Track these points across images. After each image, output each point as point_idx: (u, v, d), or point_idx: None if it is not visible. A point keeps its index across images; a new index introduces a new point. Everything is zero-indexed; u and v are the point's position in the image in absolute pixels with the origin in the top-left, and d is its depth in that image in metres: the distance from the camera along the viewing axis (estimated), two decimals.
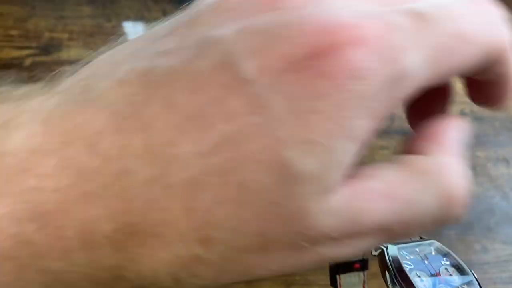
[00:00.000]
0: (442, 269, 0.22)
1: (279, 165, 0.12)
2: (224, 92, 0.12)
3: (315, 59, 0.12)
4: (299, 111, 0.12)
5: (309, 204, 0.12)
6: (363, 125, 0.13)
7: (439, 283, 0.21)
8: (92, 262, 0.13)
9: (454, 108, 0.73)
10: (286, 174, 0.12)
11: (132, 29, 0.69)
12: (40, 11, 0.70)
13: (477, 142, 0.62)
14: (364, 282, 0.25)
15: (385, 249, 0.22)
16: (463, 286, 0.21)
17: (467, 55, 0.15)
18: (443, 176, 0.17)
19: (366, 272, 0.25)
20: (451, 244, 0.59)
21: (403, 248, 0.22)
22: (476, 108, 0.68)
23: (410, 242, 0.23)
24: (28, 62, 0.66)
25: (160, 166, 0.12)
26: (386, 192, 0.14)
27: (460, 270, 0.22)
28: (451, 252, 0.23)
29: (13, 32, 0.68)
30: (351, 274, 0.24)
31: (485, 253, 0.57)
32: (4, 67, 0.66)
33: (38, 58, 0.66)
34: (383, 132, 0.63)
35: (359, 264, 0.24)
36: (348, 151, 0.13)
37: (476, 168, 0.61)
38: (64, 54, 0.66)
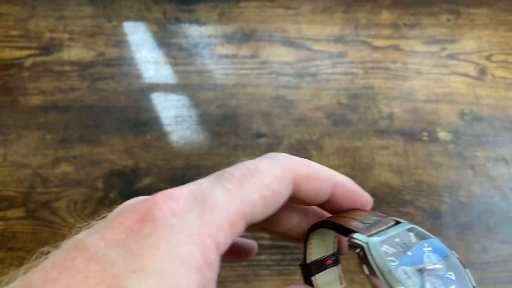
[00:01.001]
0: (425, 258, 0.20)
1: None
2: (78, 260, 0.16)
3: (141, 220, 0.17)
4: (132, 251, 0.16)
5: None
6: (192, 251, 0.16)
7: (427, 277, 0.19)
8: None
9: (454, 108, 0.73)
10: None
11: (132, 29, 0.69)
12: (40, 11, 0.70)
13: (477, 142, 0.62)
14: (340, 277, 0.24)
15: (365, 246, 0.20)
16: (448, 274, 0.20)
17: None
18: None
19: (340, 267, 0.24)
20: (451, 244, 0.59)
21: (383, 242, 0.20)
22: (476, 108, 0.68)
23: (386, 230, 0.21)
24: (28, 62, 0.66)
25: None
26: None
27: (441, 252, 0.20)
28: (428, 233, 0.21)
29: (14, 32, 0.68)
30: (326, 271, 0.23)
31: (485, 253, 0.57)
32: (5, 67, 0.66)
33: (38, 58, 0.67)
34: (383, 132, 0.63)
35: (331, 260, 0.23)
36: (182, 276, 0.16)
37: (476, 168, 0.61)
38: (64, 54, 0.67)
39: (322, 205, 0.22)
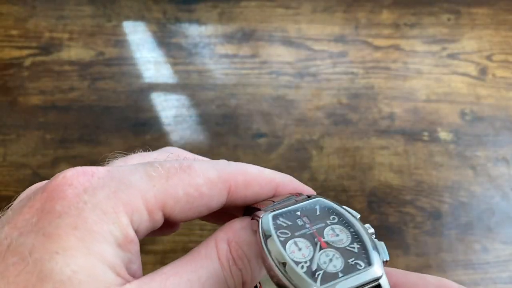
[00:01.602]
0: (327, 231, 0.19)
1: (48, 275, 0.15)
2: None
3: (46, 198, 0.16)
4: (49, 234, 0.15)
5: None
6: (111, 229, 0.16)
7: (321, 250, 0.19)
8: None
9: (455, 107, 0.72)
10: (57, 281, 0.15)
11: (132, 28, 0.69)
12: (40, 11, 0.70)
13: (477, 142, 0.62)
14: None
15: (259, 221, 0.19)
16: (351, 246, 0.19)
17: None
18: None
19: None
20: (451, 244, 0.59)
21: (281, 214, 0.20)
22: (476, 108, 0.68)
23: (291, 206, 0.20)
24: (28, 62, 0.66)
25: None
26: None
27: (349, 225, 0.20)
28: (338, 207, 0.20)
29: (13, 32, 0.68)
30: None
31: (485, 253, 0.57)
32: (4, 67, 0.66)
33: (38, 58, 0.66)
34: (383, 132, 0.63)
35: None
36: (108, 251, 0.16)
37: (476, 168, 0.61)
38: (64, 54, 0.66)
39: None
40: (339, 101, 0.64)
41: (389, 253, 0.19)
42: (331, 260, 0.18)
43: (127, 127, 0.61)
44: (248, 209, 0.22)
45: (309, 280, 0.17)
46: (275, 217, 0.20)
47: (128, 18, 0.70)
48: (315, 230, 0.19)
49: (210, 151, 0.60)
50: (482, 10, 0.72)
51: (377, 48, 0.68)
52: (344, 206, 0.21)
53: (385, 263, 0.19)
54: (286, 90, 0.65)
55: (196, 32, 0.69)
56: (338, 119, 0.63)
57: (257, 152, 0.60)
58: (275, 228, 0.19)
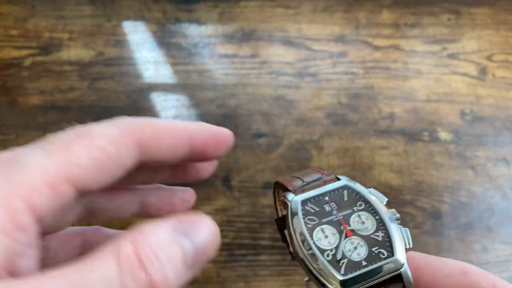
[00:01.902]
0: (353, 218, 0.20)
1: None
2: None
3: None
4: None
5: None
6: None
7: (347, 237, 0.19)
8: None
9: (455, 107, 0.72)
10: None
11: (132, 28, 0.69)
12: (40, 11, 0.69)
13: (477, 142, 0.62)
14: None
15: (289, 205, 0.20)
16: (376, 234, 0.19)
17: None
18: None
19: None
20: (451, 244, 0.59)
21: (309, 199, 0.20)
22: (476, 108, 0.68)
23: (320, 188, 0.21)
24: (28, 62, 0.66)
25: None
26: None
27: (375, 212, 0.20)
28: (366, 192, 0.20)
29: (13, 32, 0.68)
30: None
31: (485, 253, 0.57)
32: (4, 67, 0.66)
33: (38, 58, 0.66)
34: (383, 132, 0.63)
35: None
36: None
37: (476, 168, 0.61)
38: (64, 54, 0.66)
39: (189, 160, 0.21)
40: (339, 101, 0.64)
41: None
42: (355, 248, 0.19)
43: None
44: (277, 185, 0.22)
45: (333, 270, 0.18)
46: (304, 203, 0.20)
47: (128, 18, 0.70)
48: (341, 217, 0.20)
49: None
50: (482, 10, 0.72)
51: (377, 48, 0.68)
52: (371, 189, 0.21)
53: (407, 250, 0.19)
54: (286, 90, 0.65)
55: (196, 32, 0.69)
56: (338, 119, 0.63)
57: (257, 152, 0.60)
58: (303, 214, 0.19)
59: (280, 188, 0.23)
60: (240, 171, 0.58)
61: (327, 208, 0.20)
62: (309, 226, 0.19)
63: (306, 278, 0.19)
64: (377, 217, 0.20)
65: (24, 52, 0.66)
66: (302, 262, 0.19)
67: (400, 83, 0.66)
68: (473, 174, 0.60)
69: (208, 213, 0.60)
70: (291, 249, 0.19)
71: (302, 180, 0.21)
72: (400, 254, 0.19)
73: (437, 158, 0.61)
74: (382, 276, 0.18)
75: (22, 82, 0.64)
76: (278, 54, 0.67)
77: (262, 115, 0.63)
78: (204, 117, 0.63)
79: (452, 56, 0.68)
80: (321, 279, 0.18)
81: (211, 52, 0.68)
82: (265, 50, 0.68)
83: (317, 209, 0.20)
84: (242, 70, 0.66)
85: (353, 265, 0.18)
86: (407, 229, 0.20)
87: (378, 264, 0.18)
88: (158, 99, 0.64)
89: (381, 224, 0.19)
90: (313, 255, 0.18)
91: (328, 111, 0.64)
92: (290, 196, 0.20)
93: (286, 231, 0.20)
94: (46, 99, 0.63)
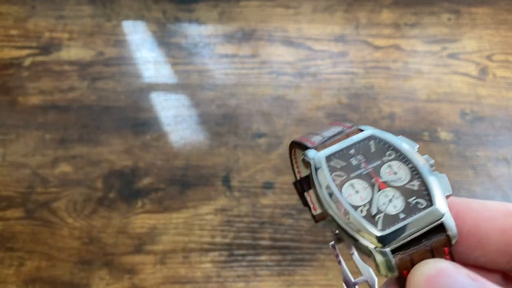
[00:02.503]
0: (384, 169, 0.18)
1: None
2: None
3: None
4: None
5: None
6: None
7: (380, 190, 0.17)
8: None
9: (455, 107, 0.72)
10: None
11: (132, 28, 0.69)
12: (40, 11, 0.69)
13: (478, 142, 0.62)
14: None
15: (312, 162, 0.18)
16: (411, 183, 0.17)
17: None
18: None
19: None
20: None
21: (333, 154, 0.18)
22: (476, 108, 0.68)
23: (343, 141, 0.19)
24: (28, 62, 0.66)
25: None
26: None
27: (407, 160, 0.18)
28: (395, 139, 0.19)
29: (13, 32, 0.68)
30: None
31: None
32: (4, 67, 0.66)
33: (38, 58, 0.66)
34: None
35: None
36: None
37: (477, 168, 0.61)
38: (64, 54, 0.66)
39: None
40: (339, 101, 0.64)
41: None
42: (390, 200, 0.17)
43: (127, 127, 0.61)
44: (294, 145, 0.21)
45: (369, 225, 0.16)
46: (328, 158, 0.18)
47: (128, 17, 0.70)
48: (371, 170, 0.18)
49: (210, 151, 0.60)
50: (483, 9, 0.72)
51: (377, 48, 0.68)
52: (400, 136, 0.19)
53: (447, 197, 0.18)
54: (286, 90, 0.65)
55: (196, 32, 0.69)
56: (338, 119, 0.63)
57: (257, 152, 0.60)
58: (329, 171, 0.18)
59: (298, 148, 0.20)
60: (240, 171, 0.58)
61: (354, 161, 0.18)
62: (337, 182, 0.17)
63: (336, 231, 0.18)
64: (410, 165, 0.18)
65: (24, 52, 0.66)
66: (332, 219, 0.17)
67: (400, 83, 0.66)
68: (474, 174, 0.60)
69: (208, 213, 0.60)
70: (314, 212, 0.18)
71: (322, 136, 0.20)
72: (440, 202, 0.17)
73: (437, 158, 0.61)
74: (423, 228, 0.16)
75: (22, 82, 0.64)
76: (278, 54, 0.67)
77: (262, 115, 0.63)
78: (204, 117, 0.63)
79: (452, 56, 0.68)
80: (355, 235, 0.16)
81: (211, 52, 0.67)
82: (265, 50, 0.68)
83: (344, 163, 0.18)
84: (242, 70, 0.66)
85: (390, 219, 0.17)
86: (444, 175, 0.18)
87: (418, 215, 0.17)
88: (158, 99, 0.64)
89: (415, 173, 0.18)
90: (344, 210, 0.17)
91: (328, 111, 0.64)
92: (312, 153, 0.18)
93: (306, 194, 0.19)
94: (46, 99, 0.63)
